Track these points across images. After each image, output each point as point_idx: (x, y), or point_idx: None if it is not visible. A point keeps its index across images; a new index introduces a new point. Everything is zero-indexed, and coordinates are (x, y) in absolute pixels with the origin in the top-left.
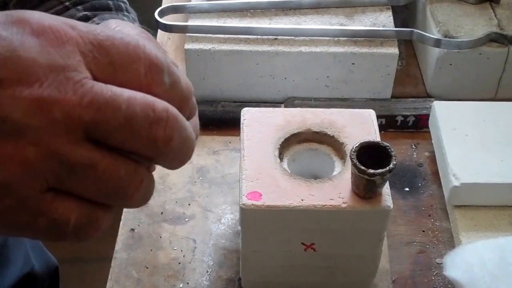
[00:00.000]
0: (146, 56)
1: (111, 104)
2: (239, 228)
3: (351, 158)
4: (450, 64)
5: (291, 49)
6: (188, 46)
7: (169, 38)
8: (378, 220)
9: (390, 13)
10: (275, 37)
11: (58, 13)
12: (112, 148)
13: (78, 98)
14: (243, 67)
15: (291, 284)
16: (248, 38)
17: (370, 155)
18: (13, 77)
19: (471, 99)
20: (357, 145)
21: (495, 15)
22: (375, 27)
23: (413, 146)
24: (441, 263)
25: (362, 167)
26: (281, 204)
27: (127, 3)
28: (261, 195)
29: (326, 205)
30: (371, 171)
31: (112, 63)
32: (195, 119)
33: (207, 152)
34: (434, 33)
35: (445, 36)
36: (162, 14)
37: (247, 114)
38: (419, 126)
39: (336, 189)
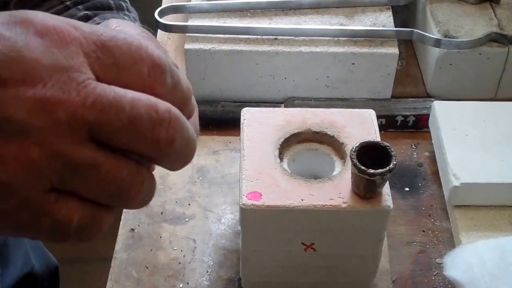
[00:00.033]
0: (149, 56)
1: (114, 105)
2: (239, 228)
3: (351, 158)
4: (450, 64)
5: (291, 49)
6: (188, 46)
7: (169, 38)
8: (378, 220)
9: (390, 13)
10: (275, 37)
11: (58, 12)
12: (114, 149)
13: (81, 99)
14: (243, 67)
15: (291, 284)
16: (248, 38)
17: (370, 155)
18: (17, 78)
19: (471, 99)
20: (357, 145)
21: (495, 15)
22: (375, 27)
23: (413, 146)
24: (441, 263)
25: (362, 167)
26: (281, 204)
27: (128, 2)
28: (261, 195)
29: (326, 205)
30: (371, 171)
31: (116, 64)
32: (195, 119)
33: (207, 152)
34: (434, 33)
35: (445, 36)
36: (162, 14)
37: (247, 114)
38: (419, 126)
39: (336, 189)
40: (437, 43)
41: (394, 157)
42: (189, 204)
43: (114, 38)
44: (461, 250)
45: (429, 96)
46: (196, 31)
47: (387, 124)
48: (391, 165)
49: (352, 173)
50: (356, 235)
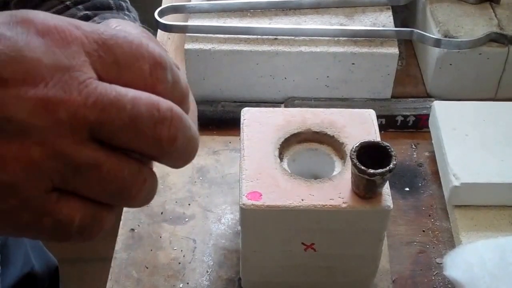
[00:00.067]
0: (150, 54)
1: (115, 104)
2: (239, 228)
3: (351, 158)
4: (450, 64)
5: (291, 49)
6: (188, 46)
7: (169, 38)
8: (378, 220)
9: (390, 13)
10: (275, 37)
11: (59, 12)
12: (116, 148)
13: (83, 98)
14: (243, 67)
15: (291, 284)
16: (248, 38)
17: (370, 155)
18: (18, 77)
19: (471, 99)
20: (357, 145)
21: (495, 15)
22: (375, 27)
23: (413, 146)
24: (441, 263)
25: (362, 167)
26: (281, 204)
27: (128, 2)
28: (261, 195)
29: (326, 205)
30: (371, 171)
31: (117, 62)
32: (195, 118)
33: (207, 152)
34: (434, 33)
35: (445, 36)
36: (162, 14)
37: (247, 114)
38: (419, 126)
39: (336, 189)
40: (437, 43)
41: (394, 157)
42: (189, 204)
43: (115, 37)
44: (461, 250)
45: (429, 96)
46: (196, 31)
47: (387, 124)
48: (391, 165)
49: (352, 173)
50: (356, 235)
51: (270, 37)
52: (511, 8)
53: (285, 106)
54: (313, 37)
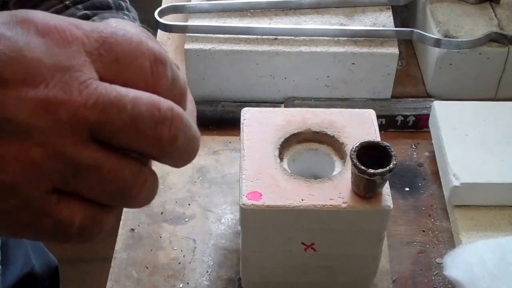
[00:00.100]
0: (150, 51)
1: (116, 104)
2: (239, 228)
3: (351, 158)
4: (450, 64)
5: (291, 49)
6: (188, 46)
7: (169, 38)
8: (378, 220)
9: (390, 13)
10: (275, 37)
11: (58, 12)
12: (116, 148)
13: (83, 98)
14: (243, 67)
15: (291, 284)
16: (248, 38)
17: (370, 155)
18: (19, 78)
19: (471, 99)
20: (357, 145)
21: (495, 15)
22: (375, 27)
23: (413, 146)
24: (441, 263)
25: (362, 167)
26: (281, 204)
27: (128, 2)
28: (261, 195)
29: (326, 205)
30: (371, 171)
31: (117, 60)
32: (194, 117)
33: (207, 152)
34: (434, 33)
35: (445, 36)
36: (162, 14)
37: (247, 114)
38: (419, 126)
39: (336, 189)
40: (437, 43)
41: (394, 157)
42: (189, 204)
43: (115, 34)
44: (461, 250)
45: (429, 96)
46: (196, 31)
47: (387, 124)
48: (391, 165)
49: (352, 173)
50: (356, 235)
51: (270, 37)
52: (511, 8)
53: (285, 106)
54: (313, 37)
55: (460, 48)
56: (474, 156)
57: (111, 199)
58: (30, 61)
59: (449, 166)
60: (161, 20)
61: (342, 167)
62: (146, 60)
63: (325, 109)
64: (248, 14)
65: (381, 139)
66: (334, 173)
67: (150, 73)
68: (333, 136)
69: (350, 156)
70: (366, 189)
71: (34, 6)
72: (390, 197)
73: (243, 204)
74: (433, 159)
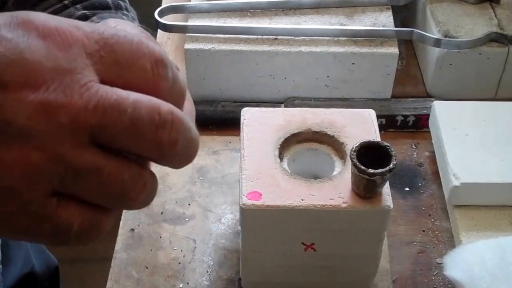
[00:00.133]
0: (151, 52)
1: (116, 108)
2: (239, 228)
3: (351, 158)
4: (450, 64)
5: (291, 49)
6: (188, 46)
7: (169, 38)
8: (378, 220)
9: (390, 13)
10: (275, 37)
11: (57, 11)
12: (115, 151)
13: (84, 102)
14: (243, 67)
15: (291, 284)
16: (248, 38)
17: (370, 155)
18: (19, 81)
19: (471, 99)
20: (357, 145)
21: (495, 15)
22: (375, 27)
23: (413, 146)
24: (441, 263)
25: (362, 167)
26: (281, 204)
27: (127, 1)
28: (261, 195)
29: (326, 205)
30: (371, 171)
31: (118, 61)
32: (193, 118)
33: (207, 152)
34: (434, 33)
35: (445, 36)
36: (162, 14)
37: (247, 114)
38: (419, 126)
39: (336, 189)
40: (437, 43)
41: (394, 157)
42: (189, 204)
43: (116, 36)
44: (461, 250)
45: (429, 96)
46: (196, 31)
47: (387, 124)
48: (391, 165)
49: (352, 173)
50: (356, 235)
51: (270, 37)
52: (511, 8)
53: (285, 106)
54: (313, 37)
55: (460, 48)
56: (474, 156)
57: (111, 202)
58: (31, 64)
59: (449, 166)
60: (161, 20)
61: (342, 167)
62: (147, 61)
63: (325, 109)
64: (248, 14)
65: (381, 139)
66: (334, 173)
67: (151, 74)
68: (333, 136)
69: (350, 156)
70: (366, 189)
71: (33, 6)
72: (390, 197)
73: (243, 204)
74: (433, 159)
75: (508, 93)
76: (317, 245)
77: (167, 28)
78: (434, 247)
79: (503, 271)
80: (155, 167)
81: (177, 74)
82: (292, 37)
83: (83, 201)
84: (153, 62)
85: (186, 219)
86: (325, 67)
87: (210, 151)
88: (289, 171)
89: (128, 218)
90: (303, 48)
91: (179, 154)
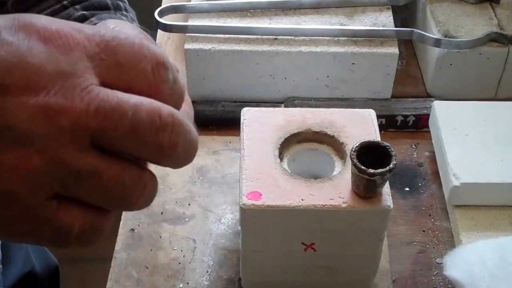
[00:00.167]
0: (152, 54)
1: (117, 111)
2: (239, 228)
3: (351, 158)
4: (450, 64)
5: (291, 49)
6: (188, 46)
7: (169, 38)
8: (378, 220)
9: (390, 13)
10: (275, 37)
11: (55, 12)
12: (116, 153)
13: (85, 105)
14: (243, 67)
15: (291, 284)
16: (248, 38)
17: (370, 155)
18: (20, 84)
19: (471, 99)
20: (357, 145)
21: (495, 15)
22: (375, 27)
23: (413, 146)
24: (441, 263)
25: (362, 167)
26: (281, 204)
27: (126, 2)
28: (261, 195)
29: (326, 205)
30: (371, 170)
31: (119, 64)
32: (191, 118)
33: (207, 152)
34: (434, 33)
35: (445, 36)
36: (162, 14)
37: (247, 114)
38: (419, 126)
39: (336, 189)
40: (437, 43)
41: (394, 157)
42: (189, 204)
43: (116, 38)
44: (461, 250)
45: (429, 96)
46: (196, 31)
47: (387, 124)
48: (391, 165)
49: (352, 173)
50: (356, 235)
51: (270, 37)
52: (511, 8)
53: (285, 106)
54: (313, 37)
55: (460, 48)
56: (474, 156)
57: (111, 204)
58: (32, 67)
59: (449, 166)
60: (161, 20)
61: (342, 167)
62: (148, 63)
63: (325, 109)
64: (248, 14)
65: (381, 139)
66: (334, 173)
67: (152, 77)
68: (333, 136)
69: (350, 156)
70: (366, 189)
71: (32, 6)
72: (390, 197)
73: (243, 204)
74: (433, 159)
75: (508, 93)
76: (317, 245)
77: (167, 28)
78: (434, 247)
79: (503, 271)
80: (155, 167)
81: (177, 77)
82: (292, 37)
83: (83, 203)
84: (154, 64)
85: (186, 219)
86: (325, 67)
87: (210, 151)
88: (289, 171)
89: (128, 218)
90: (303, 48)
91: (179, 156)
